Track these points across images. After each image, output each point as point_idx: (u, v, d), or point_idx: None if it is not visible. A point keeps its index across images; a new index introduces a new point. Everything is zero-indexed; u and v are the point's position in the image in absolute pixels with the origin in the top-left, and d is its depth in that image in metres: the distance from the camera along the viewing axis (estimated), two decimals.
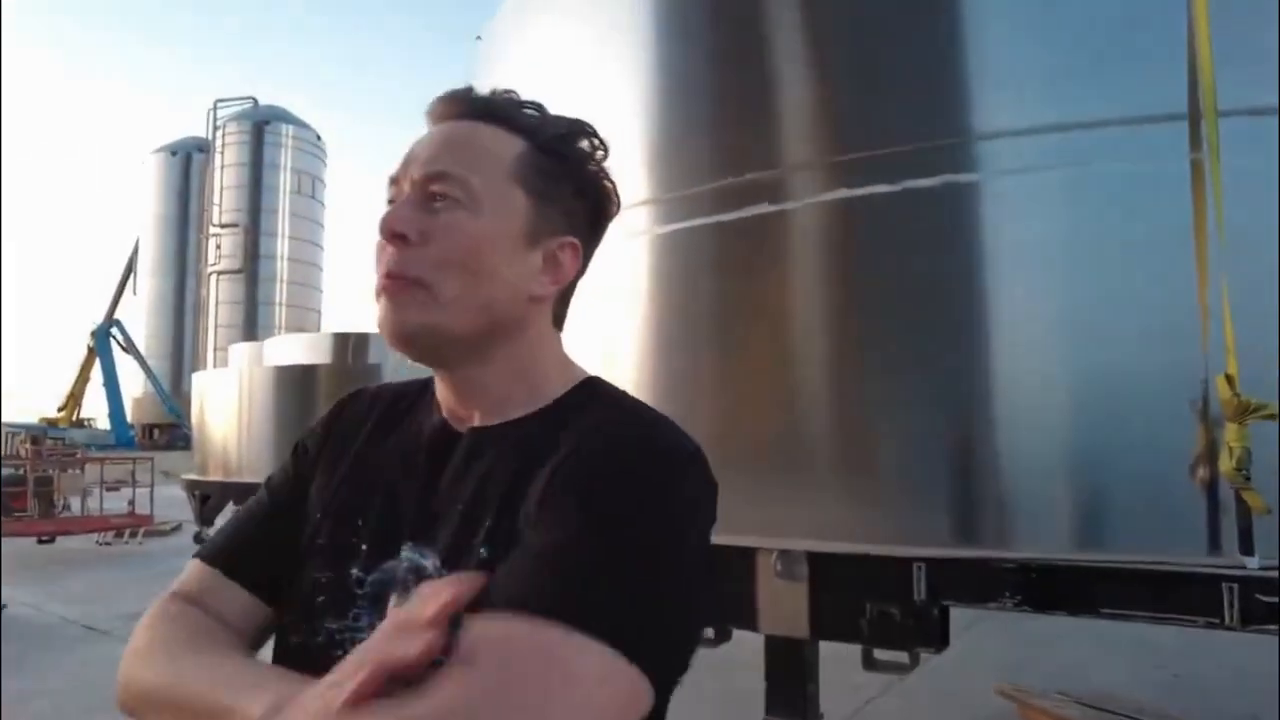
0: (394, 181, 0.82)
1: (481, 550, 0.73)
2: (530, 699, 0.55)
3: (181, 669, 0.72)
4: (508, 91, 0.86)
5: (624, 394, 0.85)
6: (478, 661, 0.57)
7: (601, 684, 0.58)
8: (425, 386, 0.92)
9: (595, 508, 0.68)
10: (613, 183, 0.88)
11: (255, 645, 0.83)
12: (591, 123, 0.87)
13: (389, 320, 0.78)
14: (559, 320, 0.88)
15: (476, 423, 0.83)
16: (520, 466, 0.76)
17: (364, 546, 0.81)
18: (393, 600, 0.76)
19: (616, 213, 0.89)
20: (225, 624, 0.80)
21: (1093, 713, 3.36)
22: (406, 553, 0.78)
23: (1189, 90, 2.02)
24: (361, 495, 0.84)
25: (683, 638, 0.68)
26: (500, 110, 0.84)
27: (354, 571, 0.80)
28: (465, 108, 0.84)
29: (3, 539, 11.46)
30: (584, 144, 0.85)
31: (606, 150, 0.86)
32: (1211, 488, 1.91)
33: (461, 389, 0.84)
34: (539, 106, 0.86)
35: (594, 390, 0.85)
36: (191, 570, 0.87)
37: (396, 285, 0.77)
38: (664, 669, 0.63)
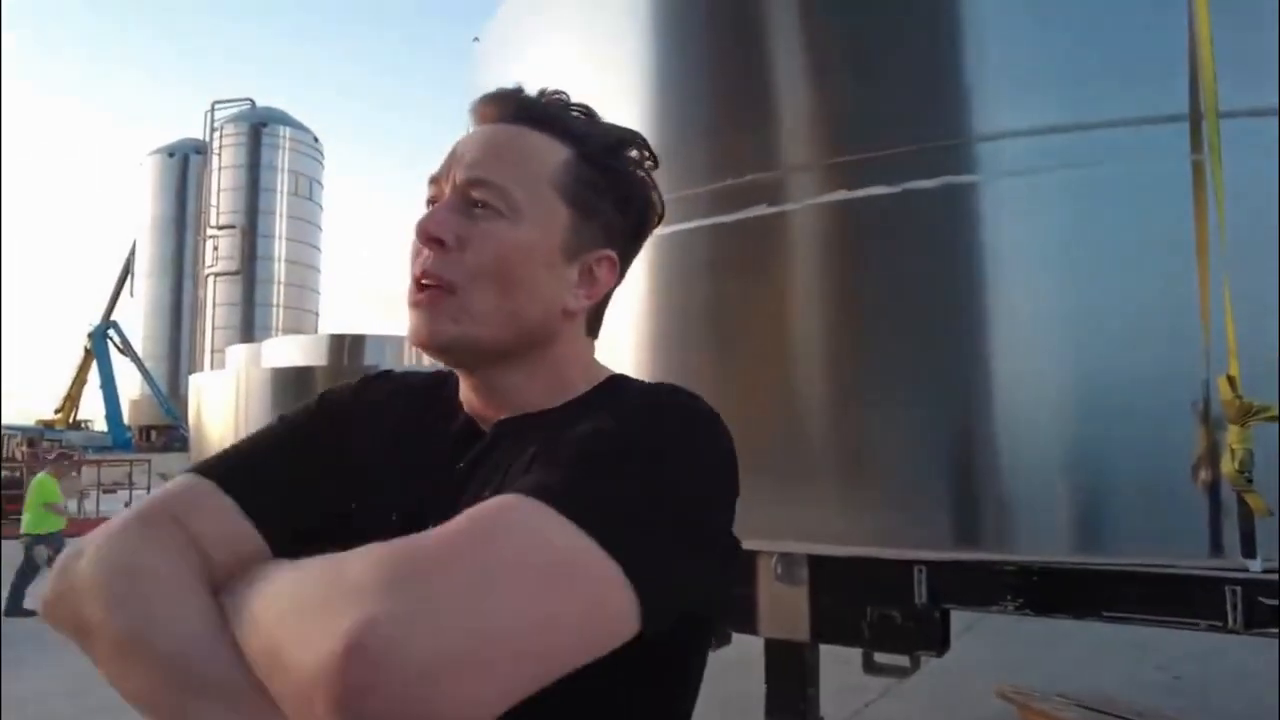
0: (434, 181, 0.81)
1: None
2: (487, 544, 0.56)
3: (152, 619, 0.66)
4: (557, 93, 0.84)
5: (650, 384, 0.84)
6: (458, 520, 0.58)
7: (571, 559, 0.57)
8: (446, 380, 0.91)
9: (603, 433, 0.69)
10: (658, 193, 0.87)
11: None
12: (641, 133, 0.85)
13: (422, 329, 0.77)
14: (594, 329, 0.89)
15: (501, 419, 0.82)
16: (534, 447, 0.75)
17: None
18: None
19: (659, 224, 0.88)
20: (205, 550, 0.71)
21: (1093, 715, 3.35)
22: None
23: (1190, 91, 2.01)
24: (390, 487, 0.82)
25: (681, 570, 0.65)
26: (548, 115, 0.82)
27: None
28: (512, 109, 0.82)
29: (2, 540, 11.46)
30: (632, 154, 0.84)
31: (656, 162, 0.86)
32: (1213, 490, 1.90)
33: (485, 391, 0.83)
34: (588, 111, 0.85)
35: (619, 383, 0.85)
36: (177, 483, 0.79)
37: (430, 294, 0.77)
38: (653, 593, 0.59)
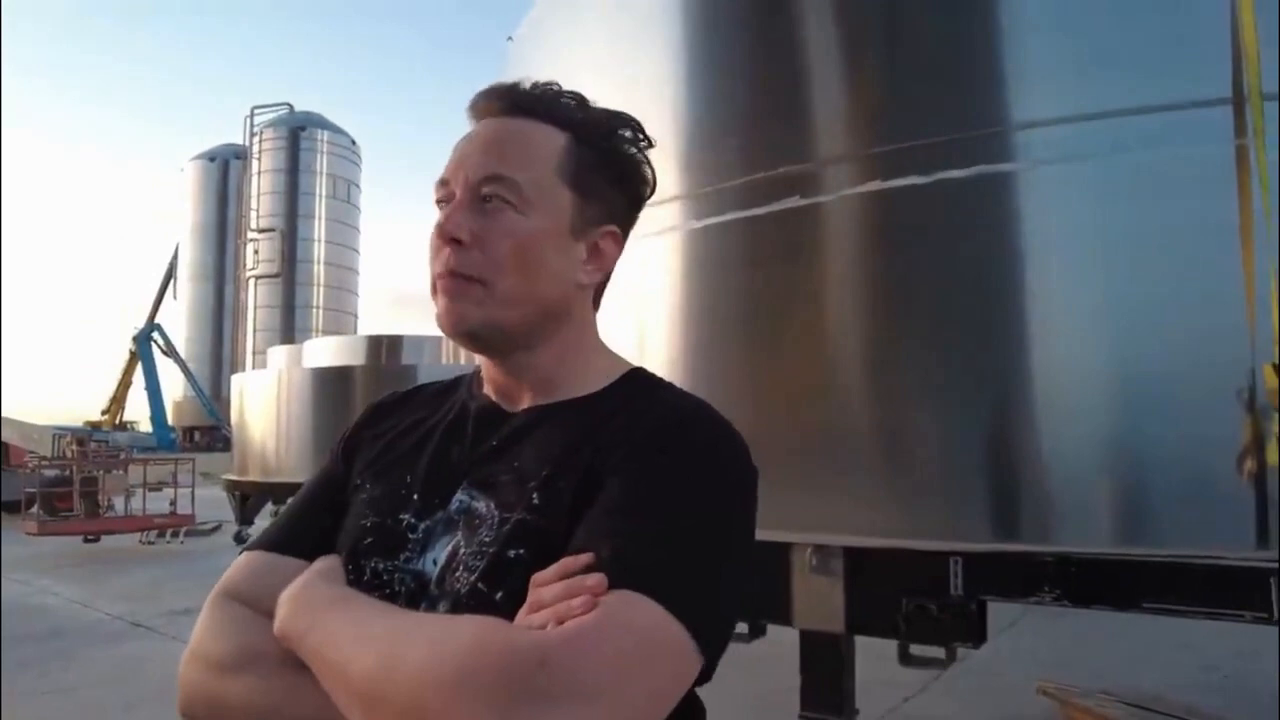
0: (444, 183, 0.85)
1: (534, 497, 0.78)
2: (625, 663, 0.63)
3: (234, 681, 0.77)
4: (548, 84, 0.89)
5: (669, 383, 0.90)
6: (603, 625, 0.64)
7: (679, 661, 0.67)
8: (457, 380, 0.99)
9: (670, 484, 0.75)
10: (651, 167, 0.91)
11: None
12: (628, 112, 0.90)
13: (449, 315, 0.83)
14: (597, 302, 0.94)
15: (528, 403, 0.88)
16: (574, 437, 0.81)
17: (415, 496, 0.86)
18: (445, 538, 0.82)
19: (651, 194, 0.93)
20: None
21: (1137, 712, 3.29)
22: (460, 495, 0.84)
23: (1233, 74, 1.97)
24: (408, 456, 0.90)
25: (734, 614, 0.76)
26: (543, 105, 0.87)
27: (405, 517, 0.85)
28: (509, 103, 0.87)
29: (48, 537, 11.76)
30: (625, 134, 0.89)
31: (648, 139, 0.90)
32: (1259, 480, 1.86)
33: (513, 372, 0.88)
34: (580, 98, 0.89)
35: (641, 378, 0.91)
36: (239, 561, 0.89)
37: (455, 282, 0.82)
38: (716, 651, 0.70)
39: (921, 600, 2.14)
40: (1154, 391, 2.03)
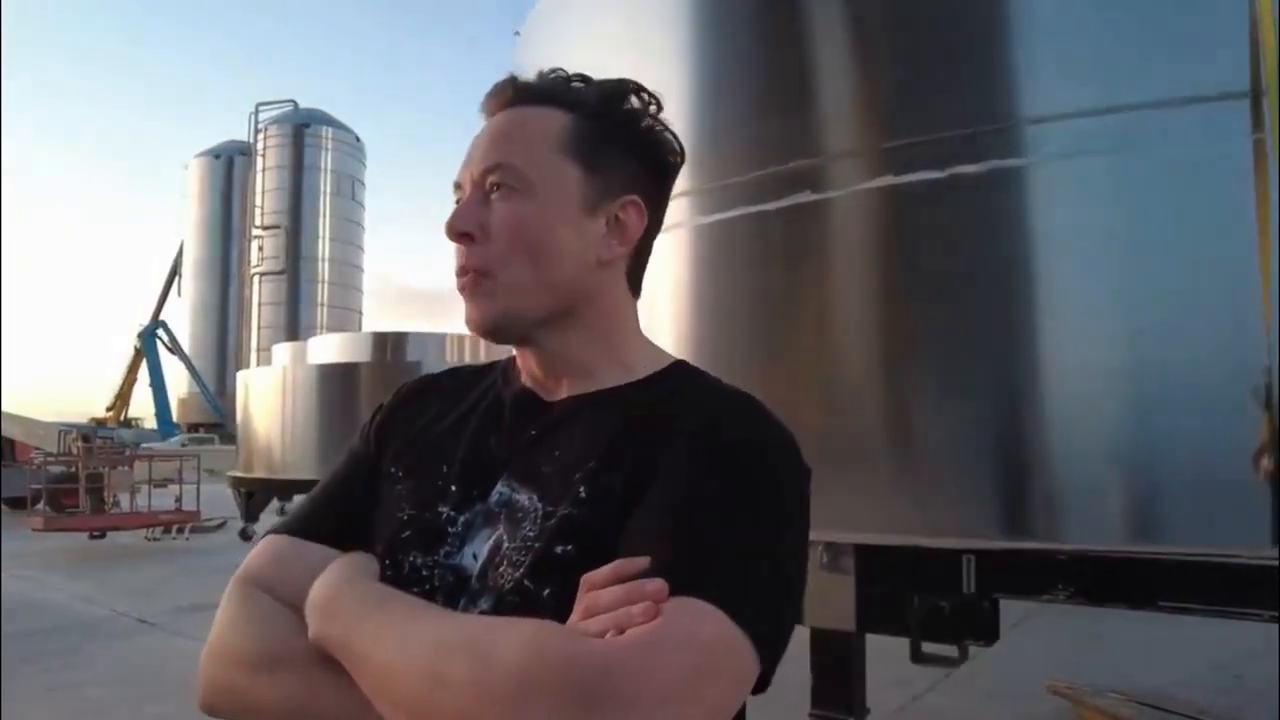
0: (457, 186, 0.85)
1: (580, 490, 0.76)
2: (690, 677, 0.61)
3: (263, 680, 0.75)
4: (554, 71, 0.88)
5: (715, 376, 0.87)
6: (668, 635, 0.61)
7: (742, 674, 0.65)
8: (491, 365, 0.96)
9: (729, 481, 0.72)
10: (670, 133, 0.88)
11: None
12: (635, 79, 0.87)
13: (471, 315, 0.83)
14: (635, 286, 0.90)
15: (567, 392, 0.85)
16: (619, 428, 0.79)
17: (453, 487, 0.83)
18: (485, 531, 0.79)
19: (679, 162, 0.89)
20: (301, 599, 0.78)
21: (1149, 712, 3.28)
22: (500, 488, 0.81)
23: (1251, 67, 1.95)
24: (443, 444, 0.87)
25: (790, 621, 0.72)
26: (545, 89, 0.86)
27: (444, 510, 0.82)
28: (511, 95, 0.86)
29: (54, 533, 11.79)
30: (631, 101, 0.86)
31: (658, 103, 0.87)
32: (1276, 478, 1.84)
33: (547, 362, 0.86)
34: (586, 78, 0.87)
35: (688, 370, 0.88)
36: (262, 546, 0.86)
37: (471, 280, 0.82)
38: (773, 661, 0.68)
39: (933, 598, 2.13)
40: (1169, 388, 2.01)
